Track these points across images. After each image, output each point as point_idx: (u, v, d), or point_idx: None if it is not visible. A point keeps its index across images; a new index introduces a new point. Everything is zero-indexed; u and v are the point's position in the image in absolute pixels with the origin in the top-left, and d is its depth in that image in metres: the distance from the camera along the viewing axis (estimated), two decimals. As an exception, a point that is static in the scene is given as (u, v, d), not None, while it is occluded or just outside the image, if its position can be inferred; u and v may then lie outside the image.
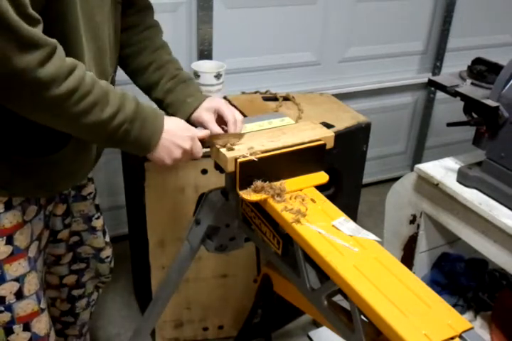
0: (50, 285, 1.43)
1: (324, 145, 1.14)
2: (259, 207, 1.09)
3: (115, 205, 2.20)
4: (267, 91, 1.98)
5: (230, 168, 1.06)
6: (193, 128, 1.12)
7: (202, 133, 1.12)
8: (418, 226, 1.60)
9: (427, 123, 2.73)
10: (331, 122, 1.74)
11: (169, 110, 1.23)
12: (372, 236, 0.98)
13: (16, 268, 1.13)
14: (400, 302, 0.84)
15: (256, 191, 1.06)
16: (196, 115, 1.20)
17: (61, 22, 0.93)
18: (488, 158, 1.40)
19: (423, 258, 1.69)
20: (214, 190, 1.24)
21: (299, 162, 1.11)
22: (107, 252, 1.47)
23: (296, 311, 1.44)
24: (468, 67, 1.46)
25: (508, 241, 1.33)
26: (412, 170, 1.60)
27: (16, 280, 1.14)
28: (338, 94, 2.18)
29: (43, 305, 1.22)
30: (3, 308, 1.15)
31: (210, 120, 1.18)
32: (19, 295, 1.16)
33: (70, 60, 0.91)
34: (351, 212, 1.89)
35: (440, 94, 2.38)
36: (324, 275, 0.95)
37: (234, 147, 1.08)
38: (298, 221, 0.99)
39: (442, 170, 1.50)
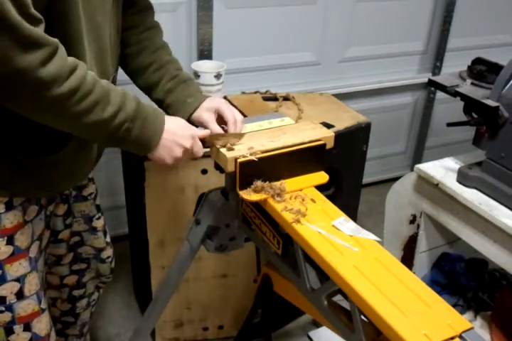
0: (51, 285, 1.43)
1: (324, 145, 1.14)
2: (259, 207, 1.09)
3: (115, 205, 2.20)
4: (267, 92, 1.98)
5: (230, 168, 1.06)
6: (193, 127, 1.12)
7: (202, 132, 1.12)
8: (418, 226, 1.60)
9: (427, 123, 2.73)
10: (331, 122, 1.74)
11: (169, 110, 1.23)
12: (372, 236, 0.98)
13: (17, 268, 1.14)
14: (400, 302, 0.84)
15: (256, 191, 1.06)
16: (196, 115, 1.20)
17: (63, 22, 0.93)
18: (488, 158, 1.40)
19: (423, 258, 1.69)
20: (214, 190, 1.24)
21: (299, 162, 1.11)
22: (108, 252, 1.47)
23: (296, 311, 1.44)
24: (468, 67, 1.46)
25: (508, 241, 1.33)
26: (412, 170, 1.60)
27: (17, 280, 1.14)
28: (338, 94, 2.18)
29: (43, 306, 1.22)
30: (3, 308, 1.15)
31: (210, 120, 1.18)
32: (20, 295, 1.16)
33: (71, 60, 0.91)
34: (351, 212, 1.90)
35: (440, 94, 2.38)
36: (324, 275, 0.95)
37: (234, 147, 1.08)
38: (298, 221, 0.99)
39: (442, 170, 1.50)
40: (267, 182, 1.07)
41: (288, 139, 1.12)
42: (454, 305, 1.69)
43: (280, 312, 1.69)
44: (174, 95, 1.23)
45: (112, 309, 2.03)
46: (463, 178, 1.44)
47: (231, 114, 1.17)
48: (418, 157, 2.84)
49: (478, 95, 1.35)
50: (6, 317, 1.16)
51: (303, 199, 1.06)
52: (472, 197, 1.40)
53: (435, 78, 1.47)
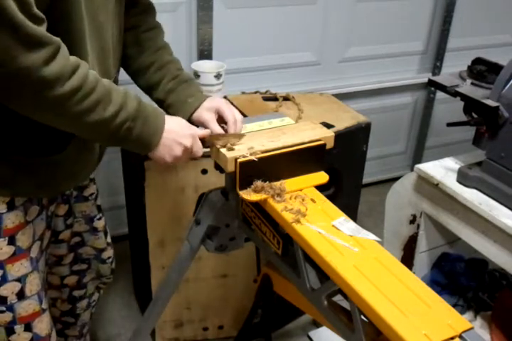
0: (51, 285, 1.43)
1: (324, 145, 1.14)
2: (259, 207, 1.09)
3: (115, 205, 2.20)
4: (267, 92, 1.98)
5: (230, 168, 1.06)
6: (193, 126, 1.12)
7: (202, 132, 1.12)
8: (418, 226, 1.60)
9: (427, 123, 2.73)
10: (331, 122, 1.74)
11: (170, 110, 1.23)
12: (372, 236, 0.98)
13: (18, 268, 1.14)
14: (400, 302, 0.84)
15: (256, 191, 1.06)
16: (197, 115, 1.20)
17: (65, 21, 0.93)
18: (488, 158, 1.40)
19: (423, 258, 1.69)
20: (214, 190, 1.24)
21: (298, 162, 1.11)
22: (109, 253, 1.47)
23: (296, 311, 1.44)
24: (468, 67, 1.46)
25: (508, 241, 1.33)
26: (412, 170, 1.60)
27: (18, 280, 1.14)
28: (338, 94, 2.18)
29: (44, 306, 1.22)
30: (4, 308, 1.15)
31: (210, 119, 1.18)
32: (21, 295, 1.16)
33: (73, 59, 0.91)
34: (351, 212, 1.90)
35: (440, 94, 2.38)
36: (324, 275, 0.95)
37: (234, 147, 1.08)
38: (298, 221, 0.99)
39: (442, 170, 1.50)
40: (267, 182, 1.08)
41: (288, 139, 1.12)
42: (454, 305, 1.69)
43: (280, 312, 1.69)
44: (175, 95, 1.23)
45: (112, 309, 2.03)
46: (463, 178, 1.44)
47: (231, 113, 1.17)
48: (418, 157, 2.84)
49: (478, 95, 1.35)
50: (7, 317, 1.16)
51: (303, 199, 1.06)
52: (472, 197, 1.40)
53: (435, 78, 1.47)
